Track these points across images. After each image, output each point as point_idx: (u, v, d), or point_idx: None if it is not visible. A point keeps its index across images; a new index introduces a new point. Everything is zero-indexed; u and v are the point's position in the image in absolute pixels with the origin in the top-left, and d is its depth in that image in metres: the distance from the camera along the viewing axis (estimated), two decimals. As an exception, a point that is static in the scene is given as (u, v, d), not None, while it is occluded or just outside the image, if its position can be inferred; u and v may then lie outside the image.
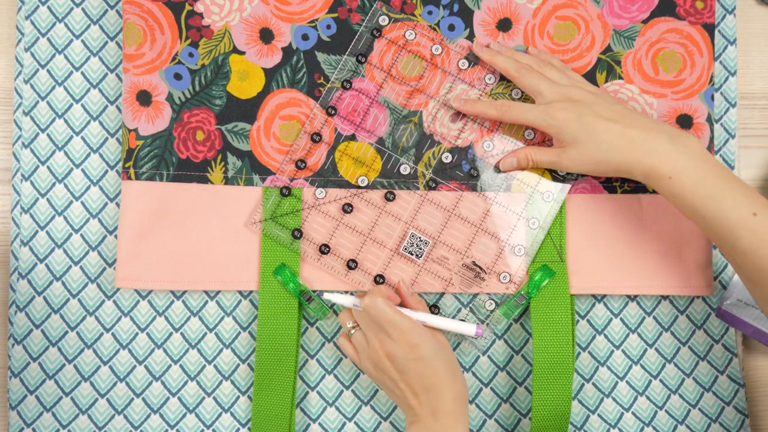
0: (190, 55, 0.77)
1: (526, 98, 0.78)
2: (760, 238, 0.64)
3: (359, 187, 0.77)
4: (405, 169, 0.78)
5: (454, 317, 0.78)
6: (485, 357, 0.79)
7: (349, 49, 0.78)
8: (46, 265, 0.79)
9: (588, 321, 0.79)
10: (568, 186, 0.77)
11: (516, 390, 0.79)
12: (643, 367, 0.79)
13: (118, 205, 0.79)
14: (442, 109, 0.78)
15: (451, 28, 0.79)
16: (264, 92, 0.78)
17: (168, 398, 0.79)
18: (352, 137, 0.78)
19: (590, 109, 0.71)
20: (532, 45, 0.79)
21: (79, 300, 0.79)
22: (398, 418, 0.79)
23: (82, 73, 0.80)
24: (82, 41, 0.80)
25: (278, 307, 0.76)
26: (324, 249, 0.77)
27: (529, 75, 0.74)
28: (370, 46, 0.78)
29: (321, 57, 0.78)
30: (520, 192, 0.77)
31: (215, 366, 0.79)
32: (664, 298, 0.80)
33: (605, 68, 0.79)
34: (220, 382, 0.79)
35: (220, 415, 0.79)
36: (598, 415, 0.79)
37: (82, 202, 0.79)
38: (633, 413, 0.79)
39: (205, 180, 0.77)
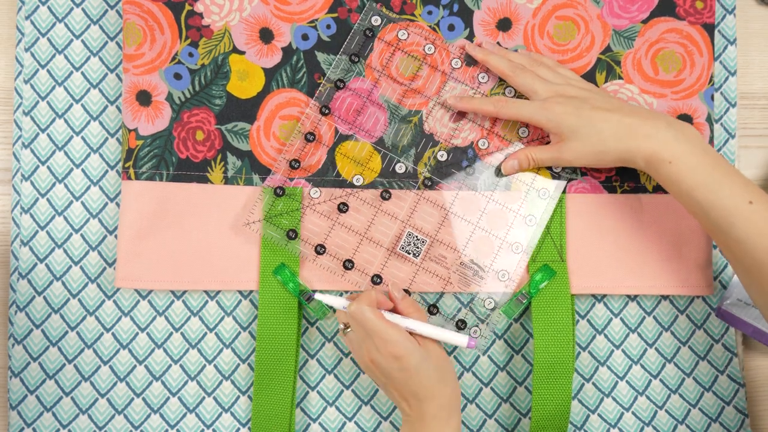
0: (190, 55, 0.77)
1: (519, 97, 0.78)
2: (755, 225, 0.65)
3: (354, 186, 0.77)
4: (401, 168, 0.78)
5: (454, 317, 0.78)
6: (485, 357, 0.79)
7: (342, 49, 0.78)
8: (47, 265, 0.79)
9: (588, 321, 0.79)
10: (564, 183, 0.77)
11: (516, 390, 0.79)
12: (643, 366, 0.79)
13: (118, 205, 0.79)
14: (441, 109, 0.78)
15: (451, 28, 0.79)
16: (264, 92, 0.78)
17: (168, 398, 0.79)
18: (352, 137, 0.78)
19: (587, 103, 0.72)
20: (532, 45, 0.79)
21: (79, 300, 0.79)
22: (398, 418, 0.79)
23: (82, 73, 0.80)
24: (82, 41, 0.80)
25: (278, 306, 0.76)
26: (320, 249, 0.76)
27: (523, 74, 0.75)
28: (364, 45, 0.78)
29: (321, 57, 0.78)
30: (517, 190, 0.77)
31: (215, 366, 0.79)
32: (664, 297, 0.80)
33: (605, 68, 0.79)
34: (221, 382, 0.79)
35: (220, 414, 0.79)
36: (598, 415, 0.79)
37: (82, 202, 0.79)
38: (633, 413, 0.79)
39: (205, 180, 0.77)
